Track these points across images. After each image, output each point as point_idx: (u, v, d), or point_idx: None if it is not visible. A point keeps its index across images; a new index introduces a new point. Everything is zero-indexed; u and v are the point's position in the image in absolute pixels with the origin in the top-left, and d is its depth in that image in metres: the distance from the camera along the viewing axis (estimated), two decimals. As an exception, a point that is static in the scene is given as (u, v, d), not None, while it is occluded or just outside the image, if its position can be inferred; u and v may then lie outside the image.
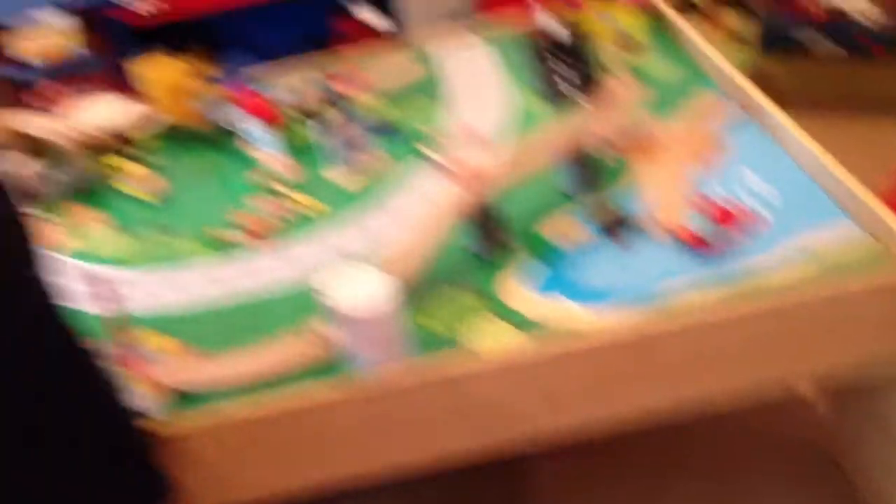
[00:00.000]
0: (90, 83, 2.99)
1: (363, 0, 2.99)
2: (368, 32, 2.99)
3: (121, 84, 3.01)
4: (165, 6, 2.87)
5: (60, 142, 1.65)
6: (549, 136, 1.26)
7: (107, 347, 1.13)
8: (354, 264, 1.04)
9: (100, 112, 1.83)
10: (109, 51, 2.96)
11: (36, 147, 1.69)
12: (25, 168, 1.57)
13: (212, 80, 1.71)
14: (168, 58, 1.78)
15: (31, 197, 1.55)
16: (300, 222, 1.38)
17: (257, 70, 1.78)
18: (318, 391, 1.01)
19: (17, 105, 2.58)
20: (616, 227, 1.16)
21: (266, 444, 1.03)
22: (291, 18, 3.12)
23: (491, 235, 1.18)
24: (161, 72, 1.76)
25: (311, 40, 3.07)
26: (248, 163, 1.56)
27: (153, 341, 1.13)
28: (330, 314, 0.99)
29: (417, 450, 1.05)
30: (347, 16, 3.05)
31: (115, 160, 1.63)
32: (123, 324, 1.05)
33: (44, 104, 1.84)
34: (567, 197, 1.27)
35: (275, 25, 3.14)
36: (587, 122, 1.28)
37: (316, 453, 1.04)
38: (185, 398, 1.07)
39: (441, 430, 1.03)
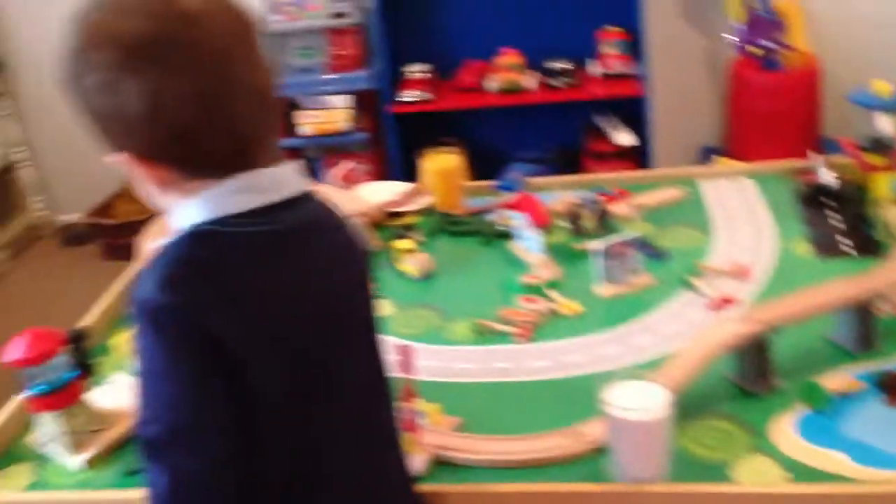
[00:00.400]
0: (355, 157, 3.29)
1: (616, 120, 3.12)
2: (618, 150, 3.10)
3: (382, 160, 3.27)
4: (428, 98, 3.10)
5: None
6: (830, 285, 1.28)
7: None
8: (630, 371, 1.09)
9: (377, 190, 2.01)
10: (374, 130, 3.23)
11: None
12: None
13: (492, 182, 1.85)
14: (446, 153, 1.95)
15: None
16: (559, 322, 1.46)
17: (528, 176, 1.89)
18: (577, 483, 1.07)
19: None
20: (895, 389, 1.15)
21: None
22: (544, 126, 3.28)
23: (759, 371, 1.20)
24: (438, 163, 1.92)
25: (561, 150, 3.22)
26: (511, 260, 1.68)
27: (423, 407, 1.23)
28: (605, 414, 1.05)
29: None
30: (599, 132, 3.18)
31: (388, 236, 1.78)
32: (412, 390, 1.15)
33: (328, 175, 2.04)
34: (841, 349, 1.28)
35: (527, 130, 3.30)
36: (869, 278, 1.29)
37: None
38: (441, 465, 1.15)
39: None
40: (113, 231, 3.56)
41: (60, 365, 1.23)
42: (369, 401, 0.97)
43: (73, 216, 3.86)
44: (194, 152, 0.83)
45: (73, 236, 3.81)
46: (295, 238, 0.88)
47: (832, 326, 1.29)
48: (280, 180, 0.87)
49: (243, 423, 0.84)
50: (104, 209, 3.65)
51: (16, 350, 1.20)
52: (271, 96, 0.86)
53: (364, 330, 0.97)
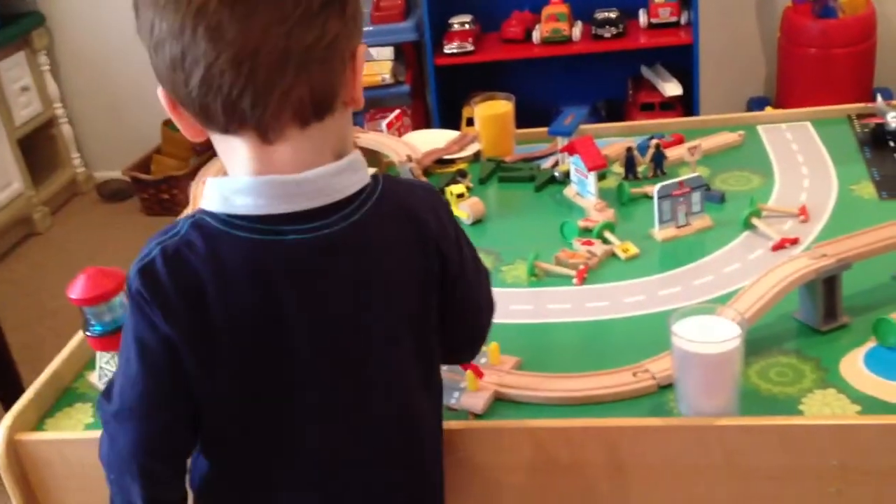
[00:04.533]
0: (394, 109, 3.26)
1: (664, 70, 3.07)
2: (665, 101, 3.05)
3: (423, 112, 3.25)
4: (471, 50, 3.06)
5: (395, 158, 1.81)
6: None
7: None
8: (699, 307, 1.07)
9: (425, 137, 2.00)
10: (416, 82, 3.20)
11: (372, 160, 1.87)
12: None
13: (543, 128, 1.83)
14: (498, 99, 1.92)
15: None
16: (616, 264, 1.44)
17: (582, 122, 1.85)
18: (641, 417, 1.07)
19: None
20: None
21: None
22: (590, 77, 3.23)
23: (827, 308, 1.18)
24: (489, 110, 1.90)
25: (607, 101, 3.18)
26: (564, 204, 1.65)
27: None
28: (673, 347, 1.03)
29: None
30: (646, 83, 3.13)
31: (439, 182, 1.76)
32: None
33: (376, 124, 2.02)
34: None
35: (573, 82, 3.25)
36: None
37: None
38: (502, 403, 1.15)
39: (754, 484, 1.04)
40: (152, 186, 3.59)
41: (120, 305, 1.23)
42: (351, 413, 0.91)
43: (111, 172, 3.88)
44: (183, 93, 0.80)
45: (112, 192, 3.84)
46: (297, 260, 0.83)
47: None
48: (310, 189, 0.82)
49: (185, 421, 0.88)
50: (143, 164, 3.67)
51: (76, 288, 1.20)
52: (267, 65, 0.77)
53: (364, 346, 0.89)
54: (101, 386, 1.27)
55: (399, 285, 0.89)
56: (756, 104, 3.13)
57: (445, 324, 0.96)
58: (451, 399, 1.15)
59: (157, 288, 0.81)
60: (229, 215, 0.82)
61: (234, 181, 0.83)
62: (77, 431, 1.21)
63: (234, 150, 0.83)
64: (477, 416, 1.13)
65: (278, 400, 0.88)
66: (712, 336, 1.01)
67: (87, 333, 1.23)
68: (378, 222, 0.86)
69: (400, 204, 0.89)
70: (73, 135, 3.89)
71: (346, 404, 0.90)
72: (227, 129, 0.81)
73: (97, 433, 1.17)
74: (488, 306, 1.04)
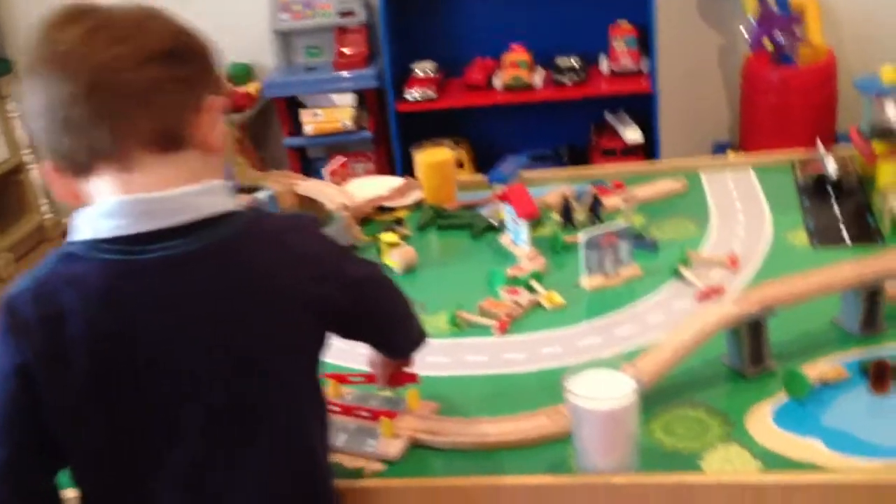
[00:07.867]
0: (358, 156, 3.25)
1: (626, 116, 3.06)
2: (627, 147, 3.04)
3: (387, 159, 3.24)
4: (433, 97, 3.06)
5: (330, 206, 1.79)
6: (829, 268, 1.23)
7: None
8: (598, 362, 1.04)
9: (368, 185, 1.98)
10: (380, 129, 3.20)
11: (312, 208, 1.85)
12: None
13: (485, 175, 1.81)
14: (440, 146, 1.91)
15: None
16: (540, 314, 1.41)
17: (522, 168, 1.84)
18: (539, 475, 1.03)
19: (301, 171, 2.85)
20: (882, 376, 1.09)
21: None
22: (553, 123, 3.23)
23: (752, 354, 1.15)
24: (430, 157, 1.88)
25: (570, 147, 3.17)
26: (500, 252, 1.63)
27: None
28: (569, 406, 1.00)
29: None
30: (608, 128, 3.13)
31: (377, 230, 1.74)
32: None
33: (326, 174, 1.99)
34: (843, 333, 1.23)
35: (536, 127, 3.25)
36: (871, 262, 1.22)
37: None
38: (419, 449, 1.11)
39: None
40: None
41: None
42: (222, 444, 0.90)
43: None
44: (55, 143, 0.86)
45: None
46: (152, 278, 0.84)
47: (839, 312, 1.25)
48: (171, 206, 0.85)
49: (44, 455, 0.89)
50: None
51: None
52: (116, 97, 0.84)
53: (234, 375, 0.88)
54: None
55: (265, 308, 0.88)
56: (720, 149, 3.12)
57: (367, 334, 1.06)
58: (367, 446, 1.11)
59: (17, 316, 0.85)
60: (96, 240, 0.85)
61: (99, 205, 0.86)
62: None
63: (101, 189, 0.87)
64: (391, 463, 1.09)
65: (137, 417, 0.87)
66: (606, 392, 0.97)
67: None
68: (244, 246, 0.87)
69: (272, 230, 0.91)
70: (41, 181, 3.88)
71: (198, 423, 0.88)
72: (90, 168, 0.86)
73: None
74: (401, 302, 1.11)
